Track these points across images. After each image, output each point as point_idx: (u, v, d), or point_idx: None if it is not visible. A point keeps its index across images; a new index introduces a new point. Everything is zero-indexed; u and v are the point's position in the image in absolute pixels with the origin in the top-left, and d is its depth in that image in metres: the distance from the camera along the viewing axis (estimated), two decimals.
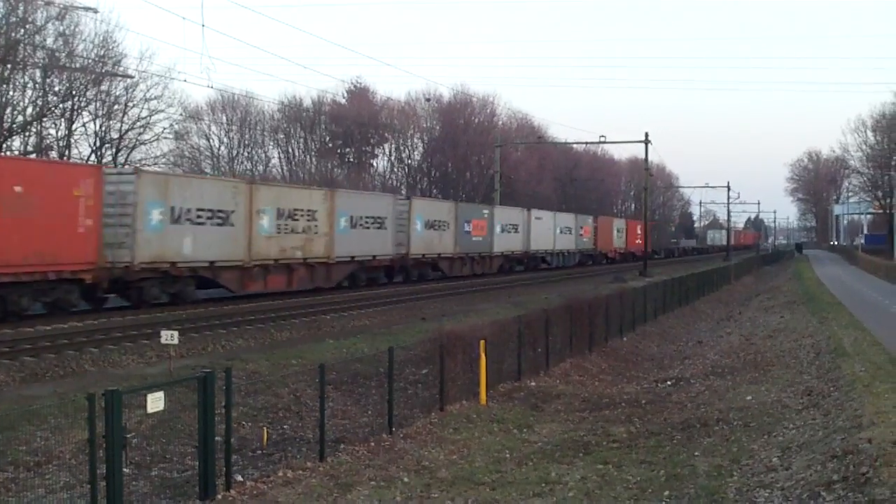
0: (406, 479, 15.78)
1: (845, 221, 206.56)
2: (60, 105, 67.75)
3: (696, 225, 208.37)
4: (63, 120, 68.79)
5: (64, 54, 66.38)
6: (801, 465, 15.29)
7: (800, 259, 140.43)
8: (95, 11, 65.82)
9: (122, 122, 72.30)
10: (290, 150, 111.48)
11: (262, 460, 16.71)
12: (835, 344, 30.61)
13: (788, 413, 20.94)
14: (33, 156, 64.65)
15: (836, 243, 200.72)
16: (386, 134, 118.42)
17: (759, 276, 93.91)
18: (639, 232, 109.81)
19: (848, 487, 13.22)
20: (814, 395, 22.36)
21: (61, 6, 64.15)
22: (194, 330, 32.57)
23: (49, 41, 65.51)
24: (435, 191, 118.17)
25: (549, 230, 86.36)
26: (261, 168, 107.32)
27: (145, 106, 72.62)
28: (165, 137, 77.86)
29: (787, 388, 24.24)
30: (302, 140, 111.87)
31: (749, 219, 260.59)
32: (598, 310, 34.95)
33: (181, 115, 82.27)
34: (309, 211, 48.80)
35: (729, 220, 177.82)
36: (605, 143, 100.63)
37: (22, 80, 64.85)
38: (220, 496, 14.05)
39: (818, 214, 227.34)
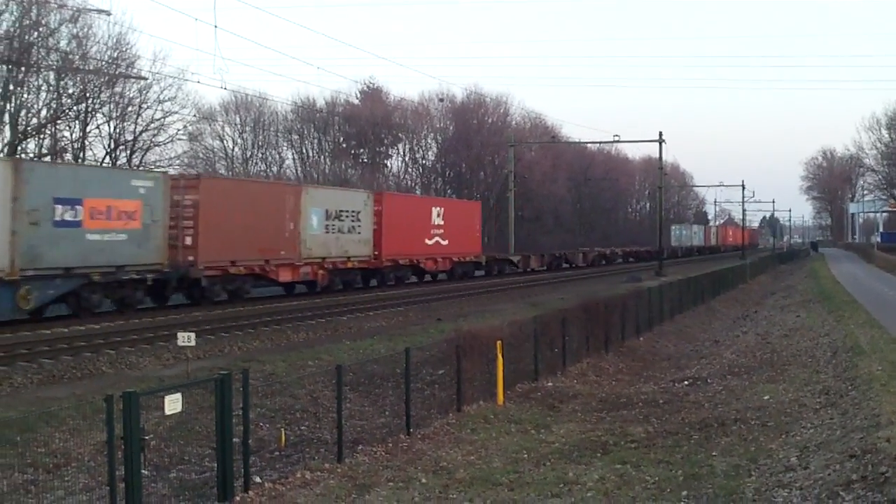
0: (424, 480, 15.77)
1: (860, 220, 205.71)
2: (74, 107, 67.94)
3: (709, 224, 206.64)
4: (77, 122, 69.02)
5: (77, 56, 66.54)
6: (819, 464, 15.25)
7: (815, 257, 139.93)
8: (108, 14, 65.92)
9: (135, 123, 72.48)
10: (304, 150, 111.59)
11: (280, 462, 16.72)
12: (851, 342, 30.52)
13: (806, 412, 20.88)
14: (47, 158, 64.87)
15: (854, 241, 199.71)
16: (399, 134, 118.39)
17: (775, 274, 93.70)
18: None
19: (867, 487, 13.18)
20: (831, 395, 22.30)
21: (74, 9, 64.34)
22: (211, 332, 32.62)
23: (63, 43, 65.71)
24: (449, 191, 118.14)
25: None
26: (275, 169, 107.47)
27: (159, 107, 72.77)
28: (179, 139, 78.16)
29: (804, 388, 24.18)
30: (316, 141, 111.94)
31: (763, 217, 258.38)
32: (615, 309, 34.90)
33: (195, 116, 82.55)
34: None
35: (744, 219, 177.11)
36: (619, 142, 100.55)
37: (36, 83, 65.08)
38: (238, 498, 14.05)
39: (833, 213, 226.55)
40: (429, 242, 63.03)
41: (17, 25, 61.35)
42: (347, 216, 52.04)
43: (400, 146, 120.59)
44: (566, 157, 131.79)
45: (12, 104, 63.39)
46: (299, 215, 47.49)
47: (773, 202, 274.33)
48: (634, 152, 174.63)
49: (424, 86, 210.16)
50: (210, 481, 14.65)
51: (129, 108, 71.60)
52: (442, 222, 64.36)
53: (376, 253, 55.32)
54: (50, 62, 64.86)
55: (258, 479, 15.07)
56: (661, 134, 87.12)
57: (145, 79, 70.99)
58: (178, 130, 76.76)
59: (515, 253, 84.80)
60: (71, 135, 69.27)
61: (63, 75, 65.95)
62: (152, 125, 73.11)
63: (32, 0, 61.47)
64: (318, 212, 49.16)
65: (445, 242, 64.52)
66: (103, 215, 35.13)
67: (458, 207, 74.60)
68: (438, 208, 65.73)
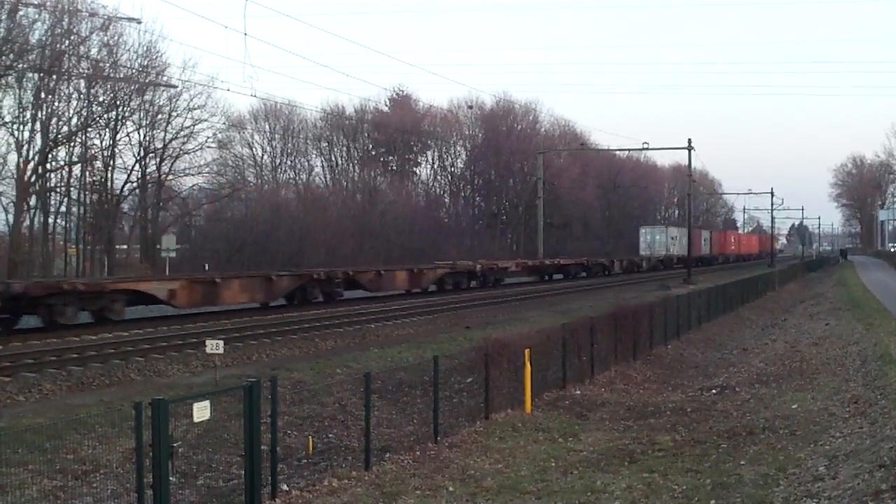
0: (451, 489, 15.76)
1: (890, 227, 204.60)
2: (105, 115, 68.48)
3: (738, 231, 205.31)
4: (107, 130, 69.55)
5: (108, 65, 67.04)
6: (848, 474, 15.16)
7: (845, 265, 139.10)
8: (139, 22, 66.62)
9: (165, 131, 73.07)
10: (333, 158, 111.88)
11: (308, 469, 16.74)
12: (882, 351, 30.31)
13: (835, 421, 20.75)
14: (78, 166, 65.41)
15: (883, 248, 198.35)
16: (429, 141, 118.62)
17: (804, 282, 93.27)
18: None
19: None
20: (860, 404, 22.15)
21: (105, 17, 64.83)
22: (239, 339, 32.78)
23: (93, 52, 66.36)
24: (478, 198, 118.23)
25: None
26: (304, 177, 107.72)
27: (189, 115, 73.37)
28: (209, 147, 78.63)
29: (833, 396, 24.03)
30: (345, 148, 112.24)
31: (792, 225, 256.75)
32: (643, 317, 34.82)
33: (224, 124, 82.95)
34: None
35: (773, 227, 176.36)
36: (647, 149, 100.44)
37: (67, 91, 65.61)
38: None
39: (863, 220, 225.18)
40: None
41: (48, 34, 61.84)
42: None
43: (429, 153, 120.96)
44: (595, 165, 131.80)
45: (43, 112, 63.92)
46: None
47: (802, 209, 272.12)
48: (663, 160, 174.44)
49: (453, 93, 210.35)
50: (238, 489, 14.67)
51: (159, 116, 72.20)
52: None
53: None
54: (81, 70, 65.41)
55: (285, 487, 15.09)
56: (689, 141, 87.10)
57: (175, 87, 71.55)
58: (208, 138, 77.33)
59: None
60: (101, 142, 69.90)
61: (93, 83, 66.48)
62: (182, 133, 73.70)
63: (64, 9, 61.92)
64: None
65: None
66: None
67: None
68: None
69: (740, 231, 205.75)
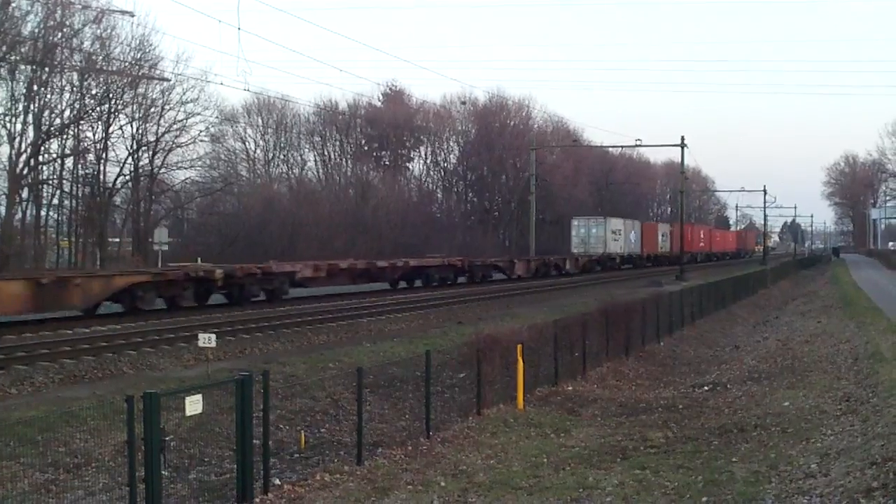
0: (443, 484, 15.77)
1: (882, 226, 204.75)
2: (97, 108, 68.39)
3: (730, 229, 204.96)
4: (100, 123, 69.48)
5: (101, 57, 67.03)
6: (839, 471, 15.18)
7: (837, 263, 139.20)
8: (132, 15, 66.60)
9: (158, 124, 72.96)
10: (326, 152, 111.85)
11: (300, 463, 16.75)
12: (873, 349, 30.34)
13: (826, 419, 20.78)
14: (71, 159, 65.38)
15: (875, 247, 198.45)
16: (421, 137, 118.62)
17: (796, 280, 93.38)
18: None
19: (888, 494, 13.10)
20: (852, 401, 22.18)
21: (98, 10, 64.79)
22: (231, 333, 32.75)
23: (86, 44, 66.24)
24: (471, 194, 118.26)
25: None
26: (296, 171, 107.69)
27: (181, 109, 73.27)
28: (201, 140, 78.63)
29: (824, 394, 24.05)
30: (338, 143, 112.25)
31: (785, 223, 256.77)
32: (635, 314, 34.87)
33: (217, 118, 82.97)
34: None
35: (766, 224, 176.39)
36: (640, 146, 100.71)
37: (59, 84, 65.49)
38: (257, 499, 14.07)
39: (855, 218, 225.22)
40: None
41: (41, 26, 61.77)
42: None
43: (422, 149, 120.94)
44: (588, 161, 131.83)
45: (36, 104, 63.82)
46: None
47: (795, 207, 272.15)
48: (656, 157, 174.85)
49: (447, 88, 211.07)
50: (230, 483, 14.67)
51: (152, 110, 72.09)
52: None
53: None
54: (73, 63, 65.35)
55: (277, 481, 15.10)
56: (682, 138, 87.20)
57: (168, 80, 71.44)
58: (201, 132, 77.34)
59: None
60: (94, 135, 69.80)
61: (86, 76, 66.40)
62: (175, 126, 73.61)
63: (57, 1, 61.83)
64: None
65: None
66: None
67: None
68: None
69: (733, 228, 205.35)
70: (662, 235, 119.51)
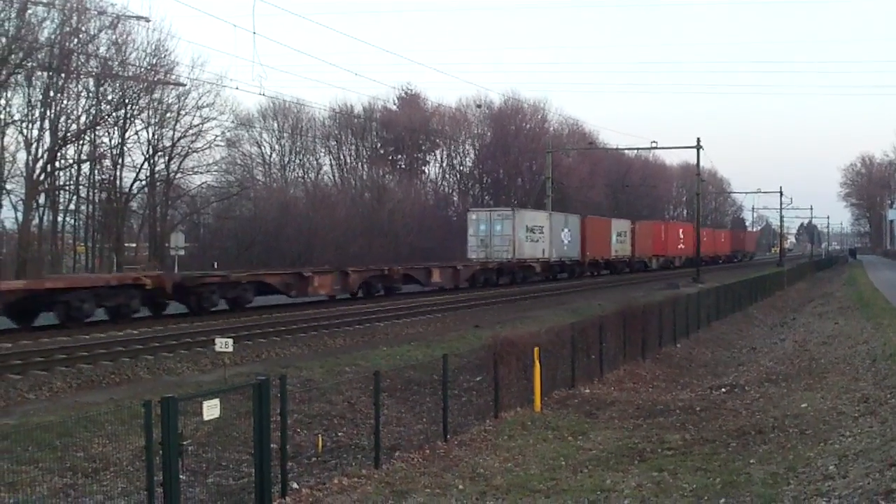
0: (461, 487, 15.76)
1: None
2: (113, 113, 68.72)
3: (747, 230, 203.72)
4: (116, 128, 69.80)
5: (117, 63, 67.27)
6: (858, 473, 15.13)
7: (854, 264, 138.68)
8: (147, 20, 66.93)
9: (174, 129, 73.30)
10: (342, 156, 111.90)
11: (318, 467, 16.75)
12: (891, 350, 30.19)
13: (845, 420, 20.71)
14: (87, 164, 65.61)
15: (892, 248, 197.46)
16: (437, 140, 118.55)
17: (813, 281, 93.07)
18: None
19: None
20: (870, 403, 22.10)
21: (114, 15, 65.02)
22: (248, 338, 32.80)
23: (102, 50, 66.57)
24: (487, 197, 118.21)
25: None
26: (312, 175, 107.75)
27: (197, 114, 73.61)
28: (217, 145, 78.88)
29: (842, 395, 23.97)
30: (353, 147, 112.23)
31: (802, 224, 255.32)
32: (652, 316, 34.80)
33: (233, 122, 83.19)
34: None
35: (782, 226, 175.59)
36: (656, 148, 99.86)
37: (76, 89, 65.80)
38: (275, 503, 14.09)
39: (872, 220, 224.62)
40: None
41: (57, 32, 62.02)
42: None
43: (437, 152, 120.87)
44: (604, 164, 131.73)
45: (52, 110, 64.13)
46: None
47: (812, 209, 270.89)
48: (672, 159, 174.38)
49: (462, 92, 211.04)
50: (247, 487, 14.67)
51: (168, 115, 72.40)
52: None
53: None
54: (89, 68, 65.62)
55: (295, 485, 15.11)
56: (698, 140, 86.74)
57: (184, 85, 71.74)
58: (216, 136, 77.62)
59: None
60: (110, 141, 70.14)
61: (102, 81, 66.69)
62: (190, 131, 73.95)
63: (73, 7, 62.05)
64: None
65: None
66: None
67: None
68: None
69: (749, 229, 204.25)
70: (618, 235, 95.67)
